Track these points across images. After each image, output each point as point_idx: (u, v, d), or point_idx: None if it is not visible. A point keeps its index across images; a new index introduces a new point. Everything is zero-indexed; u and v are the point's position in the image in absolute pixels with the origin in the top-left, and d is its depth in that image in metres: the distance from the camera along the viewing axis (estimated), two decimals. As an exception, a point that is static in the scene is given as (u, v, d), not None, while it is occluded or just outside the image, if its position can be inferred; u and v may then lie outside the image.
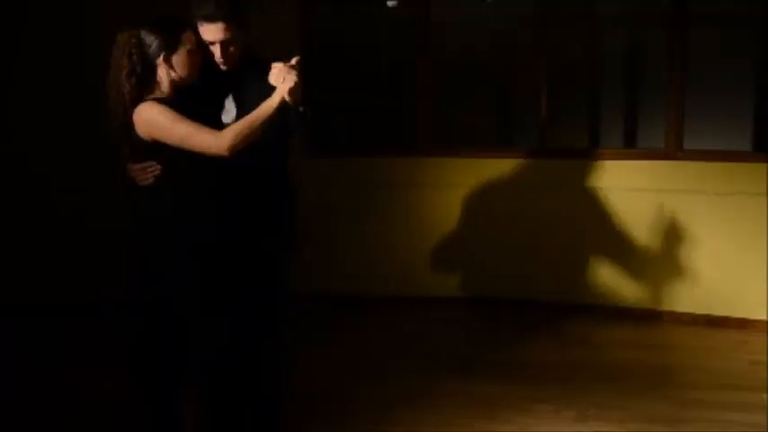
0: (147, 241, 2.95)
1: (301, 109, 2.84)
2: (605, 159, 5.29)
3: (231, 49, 2.94)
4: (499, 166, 5.45)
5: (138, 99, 2.87)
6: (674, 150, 5.13)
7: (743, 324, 5.00)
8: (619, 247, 5.27)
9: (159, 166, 2.91)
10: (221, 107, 3.05)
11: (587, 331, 5.05)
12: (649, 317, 5.20)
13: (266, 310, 3.16)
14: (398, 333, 5.09)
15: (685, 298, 5.15)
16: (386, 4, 6.10)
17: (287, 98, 2.80)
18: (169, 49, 2.86)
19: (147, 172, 2.93)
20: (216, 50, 2.92)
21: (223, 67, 2.97)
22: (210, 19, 2.88)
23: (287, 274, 3.23)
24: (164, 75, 2.90)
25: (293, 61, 2.83)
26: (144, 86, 2.89)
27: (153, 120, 2.82)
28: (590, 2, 6.21)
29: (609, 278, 5.31)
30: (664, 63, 5.16)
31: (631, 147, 6.07)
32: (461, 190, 5.50)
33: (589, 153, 5.39)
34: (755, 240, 4.95)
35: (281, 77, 2.79)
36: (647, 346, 4.81)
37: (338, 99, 5.88)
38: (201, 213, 2.94)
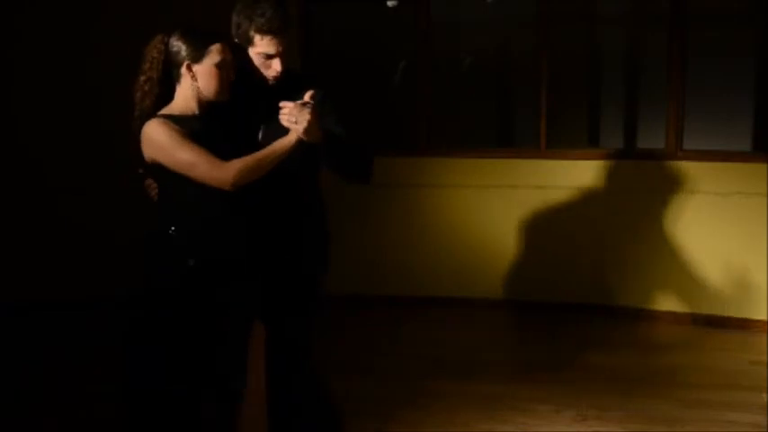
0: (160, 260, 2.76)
1: (319, 144, 2.69)
2: (605, 159, 5.29)
3: (284, 61, 2.79)
4: (499, 166, 5.44)
5: (153, 110, 2.65)
6: (674, 150, 5.13)
7: (743, 324, 5.00)
8: (617, 246, 5.26)
9: (156, 187, 2.78)
10: (258, 129, 2.84)
11: (587, 331, 5.05)
12: (649, 317, 5.20)
13: (302, 333, 3.00)
14: (398, 333, 5.09)
15: (685, 298, 5.14)
16: (386, 3, 6.11)
17: (304, 138, 2.65)
18: (194, 57, 2.63)
19: (153, 188, 2.83)
20: (275, 64, 2.76)
21: (271, 80, 2.80)
22: (273, 30, 2.71)
23: (323, 295, 3.10)
24: (187, 86, 2.66)
25: (306, 97, 2.68)
26: (161, 97, 2.67)
27: (157, 140, 2.59)
28: (590, 2, 6.21)
29: (608, 278, 5.31)
30: (664, 63, 5.16)
31: (631, 147, 6.07)
32: (461, 190, 5.50)
33: (589, 153, 5.39)
34: (755, 240, 4.94)
35: (294, 118, 2.63)
36: (647, 346, 4.81)
37: (338, 99, 5.87)
38: (223, 234, 2.72)
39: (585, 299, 5.34)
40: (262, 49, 2.73)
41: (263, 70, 2.78)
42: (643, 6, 6.12)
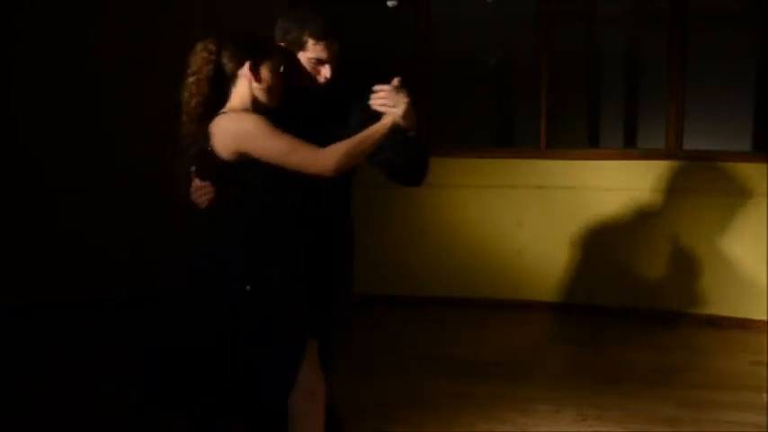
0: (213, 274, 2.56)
1: (411, 134, 2.66)
2: (605, 159, 5.29)
3: (334, 67, 2.75)
4: (499, 166, 5.45)
5: (201, 111, 2.55)
6: (674, 150, 5.13)
7: (743, 324, 5.00)
8: (617, 246, 5.27)
9: (212, 189, 2.64)
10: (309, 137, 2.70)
11: (587, 331, 5.05)
12: (649, 317, 5.20)
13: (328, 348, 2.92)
14: (398, 333, 5.09)
15: (685, 298, 5.14)
16: (386, 3, 6.11)
17: (401, 123, 2.61)
18: (255, 59, 2.57)
19: (205, 193, 2.69)
20: (325, 70, 2.72)
21: (321, 82, 2.74)
22: (327, 36, 2.69)
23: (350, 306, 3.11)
24: (244, 88, 2.58)
25: (395, 82, 2.64)
26: (213, 101, 2.57)
27: (245, 130, 2.47)
28: (590, 2, 6.21)
29: (608, 278, 5.31)
30: (664, 63, 5.16)
31: (631, 147, 6.07)
32: (461, 190, 5.50)
33: (589, 153, 5.39)
34: (755, 240, 4.94)
35: (391, 102, 2.60)
36: (648, 346, 4.81)
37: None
38: (287, 246, 2.63)
39: (585, 299, 5.34)
40: (314, 55, 2.70)
41: (317, 79, 2.74)
42: (643, 6, 6.12)
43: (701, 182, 5.06)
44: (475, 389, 4.12)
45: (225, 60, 2.56)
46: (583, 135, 6.25)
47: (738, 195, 4.98)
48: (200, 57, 2.56)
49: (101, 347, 4.72)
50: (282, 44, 2.71)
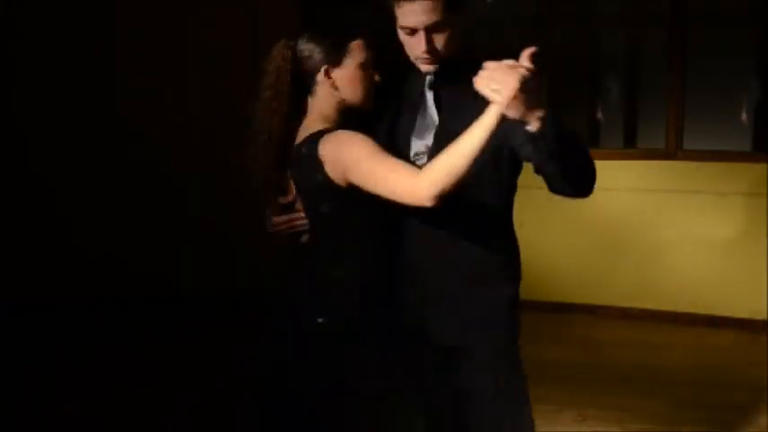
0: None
1: (531, 128, 1.90)
2: (605, 159, 5.28)
3: (440, 39, 2.05)
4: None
5: (287, 132, 2.14)
6: (674, 150, 5.13)
7: (743, 324, 4.99)
8: (617, 246, 5.26)
9: (304, 218, 2.22)
10: (407, 144, 2.16)
11: (587, 331, 5.05)
12: (649, 317, 5.20)
13: None
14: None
15: (685, 298, 5.14)
16: (386, 4, 6.09)
17: (505, 112, 1.88)
18: (333, 59, 2.12)
19: (296, 224, 2.25)
20: (418, 42, 2.04)
21: (426, 68, 2.11)
22: None
23: None
24: (324, 97, 2.14)
25: (525, 55, 1.92)
26: (295, 114, 2.16)
27: (348, 152, 2.04)
28: (590, 2, 6.20)
29: (607, 278, 5.31)
30: (664, 63, 5.15)
31: (631, 147, 6.07)
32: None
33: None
34: (755, 240, 4.94)
35: (495, 83, 1.87)
36: (647, 346, 4.81)
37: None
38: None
39: (585, 299, 5.33)
40: (401, 22, 2.05)
41: (411, 57, 2.11)
42: (643, 6, 6.11)
43: (701, 182, 5.06)
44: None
45: (301, 66, 2.14)
46: (583, 135, 6.24)
47: (738, 195, 4.98)
48: (274, 65, 2.14)
49: (101, 347, 4.72)
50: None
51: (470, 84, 1.92)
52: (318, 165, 2.06)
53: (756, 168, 4.93)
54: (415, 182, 1.97)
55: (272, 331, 2.20)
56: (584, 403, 3.93)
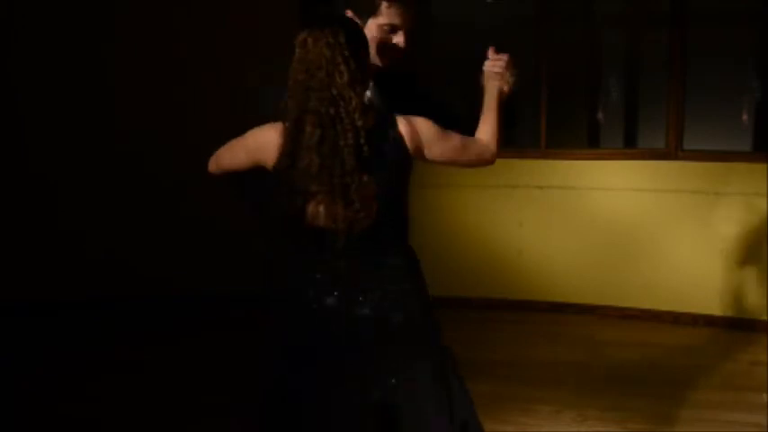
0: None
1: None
2: (605, 159, 5.29)
3: (408, 41, 2.44)
4: (499, 166, 5.41)
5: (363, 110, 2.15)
6: (674, 150, 5.13)
7: (743, 324, 4.99)
8: (618, 246, 5.26)
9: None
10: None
11: (587, 331, 5.05)
12: (649, 317, 5.20)
13: None
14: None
15: (685, 298, 5.14)
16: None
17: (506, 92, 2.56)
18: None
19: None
20: (399, 38, 2.41)
21: (387, 64, 2.44)
22: None
23: None
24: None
25: (492, 51, 2.60)
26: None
27: (432, 130, 2.27)
28: (590, 2, 6.21)
29: (607, 278, 5.31)
30: (664, 63, 5.16)
31: (631, 147, 6.07)
32: (461, 190, 5.50)
33: (589, 153, 5.39)
34: (755, 240, 4.94)
35: (506, 72, 2.60)
36: (648, 345, 4.81)
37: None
38: None
39: (586, 299, 5.33)
40: (387, 20, 2.37)
41: (378, 52, 2.39)
42: (643, 6, 6.12)
43: (701, 182, 5.06)
44: (475, 389, 4.10)
45: (352, 49, 2.18)
46: (583, 135, 6.24)
47: (738, 195, 4.98)
48: (327, 57, 2.13)
49: (101, 347, 4.72)
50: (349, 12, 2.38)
51: (396, 95, 2.39)
52: (402, 144, 2.20)
53: (756, 168, 4.93)
54: (488, 148, 2.36)
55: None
56: (584, 403, 3.93)
